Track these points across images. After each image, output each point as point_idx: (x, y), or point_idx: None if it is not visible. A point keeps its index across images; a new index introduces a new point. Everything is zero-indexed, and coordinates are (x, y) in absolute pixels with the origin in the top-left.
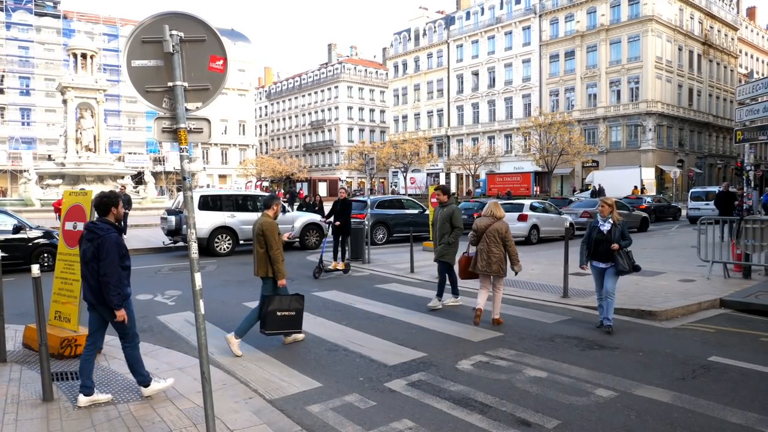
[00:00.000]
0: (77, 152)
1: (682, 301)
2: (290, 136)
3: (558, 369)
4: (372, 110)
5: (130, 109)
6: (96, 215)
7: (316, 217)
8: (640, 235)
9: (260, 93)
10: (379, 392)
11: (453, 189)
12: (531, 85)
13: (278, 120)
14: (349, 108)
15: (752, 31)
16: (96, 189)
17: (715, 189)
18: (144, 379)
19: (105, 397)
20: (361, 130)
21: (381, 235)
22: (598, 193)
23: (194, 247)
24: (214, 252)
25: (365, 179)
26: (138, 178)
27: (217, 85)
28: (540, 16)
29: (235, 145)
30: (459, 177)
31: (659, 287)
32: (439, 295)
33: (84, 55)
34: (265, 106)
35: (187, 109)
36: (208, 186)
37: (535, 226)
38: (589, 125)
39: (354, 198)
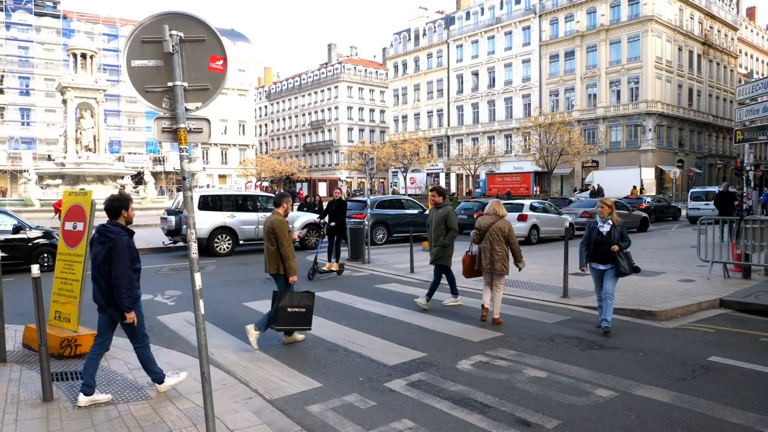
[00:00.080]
0: (77, 152)
1: (682, 301)
2: (290, 136)
3: (558, 369)
4: (372, 110)
5: (130, 109)
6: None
7: (316, 217)
8: (639, 235)
9: (260, 93)
10: (379, 392)
11: (453, 189)
12: (531, 85)
13: (278, 120)
14: (349, 108)
15: (752, 31)
16: (96, 189)
17: (715, 189)
18: (158, 377)
19: (105, 397)
20: (361, 130)
21: (381, 235)
22: (597, 193)
23: (194, 247)
24: (214, 252)
25: (365, 179)
26: (138, 178)
27: (217, 85)
28: (540, 16)
29: (234, 145)
30: (459, 177)
31: (659, 287)
32: (429, 295)
33: (84, 55)
34: (265, 106)
35: (186, 109)
36: (208, 186)
37: (534, 226)
38: (589, 125)
39: (354, 198)
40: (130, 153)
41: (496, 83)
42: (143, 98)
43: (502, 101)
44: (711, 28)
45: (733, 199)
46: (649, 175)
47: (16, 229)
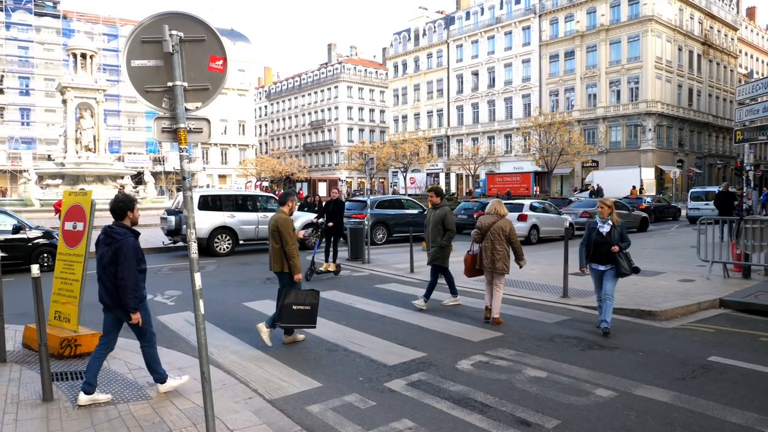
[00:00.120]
0: (77, 152)
1: (682, 301)
2: (290, 136)
3: (558, 369)
4: (372, 110)
5: (130, 109)
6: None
7: (313, 217)
8: (639, 235)
9: (260, 93)
10: (378, 392)
11: (453, 189)
12: (531, 85)
13: (278, 120)
14: (349, 108)
15: (752, 31)
16: (96, 189)
17: (715, 189)
18: (160, 377)
19: (105, 397)
20: (361, 130)
21: (381, 235)
22: (597, 193)
23: (194, 247)
24: (214, 252)
25: (365, 179)
26: (138, 178)
27: (216, 85)
28: (540, 16)
29: (234, 145)
30: (459, 177)
31: (659, 287)
32: (426, 296)
33: (84, 55)
34: (265, 106)
35: (186, 109)
36: (207, 186)
37: (534, 226)
38: (589, 125)
39: (354, 198)
40: (130, 153)
41: (496, 83)
42: (143, 98)
43: (502, 101)
44: (711, 28)
45: (733, 199)
46: (649, 175)
47: (16, 229)
